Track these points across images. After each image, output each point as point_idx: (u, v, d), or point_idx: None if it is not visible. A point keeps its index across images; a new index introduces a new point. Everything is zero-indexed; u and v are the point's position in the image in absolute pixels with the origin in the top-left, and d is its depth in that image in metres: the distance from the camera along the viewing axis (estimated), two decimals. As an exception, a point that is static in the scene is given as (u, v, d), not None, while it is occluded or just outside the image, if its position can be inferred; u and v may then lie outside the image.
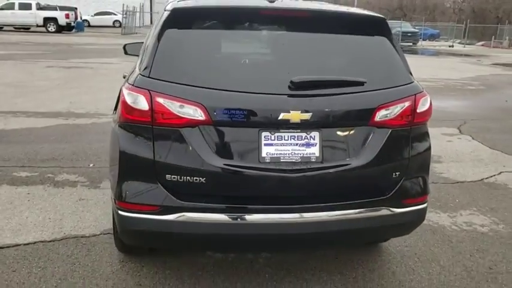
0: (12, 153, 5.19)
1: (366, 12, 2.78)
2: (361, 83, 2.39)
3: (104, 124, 6.77)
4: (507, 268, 3.16)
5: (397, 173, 2.49)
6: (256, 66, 2.48)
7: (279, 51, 2.52)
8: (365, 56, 2.57)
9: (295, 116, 2.27)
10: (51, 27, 30.64)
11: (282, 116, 2.26)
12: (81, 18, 35.58)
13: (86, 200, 4.01)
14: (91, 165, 4.95)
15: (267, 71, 2.44)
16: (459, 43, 40.55)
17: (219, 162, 2.28)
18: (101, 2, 47.14)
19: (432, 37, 41.94)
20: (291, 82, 2.29)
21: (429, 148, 2.64)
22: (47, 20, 30.70)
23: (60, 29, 30.67)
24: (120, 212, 2.38)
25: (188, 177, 2.29)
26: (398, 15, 57.79)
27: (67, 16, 31.08)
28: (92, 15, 41.67)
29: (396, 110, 2.43)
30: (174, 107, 2.25)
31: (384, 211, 2.47)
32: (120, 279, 2.84)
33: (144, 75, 2.34)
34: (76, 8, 34.01)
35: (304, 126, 2.32)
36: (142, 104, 2.27)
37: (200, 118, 2.25)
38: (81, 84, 10.17)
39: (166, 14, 2.49)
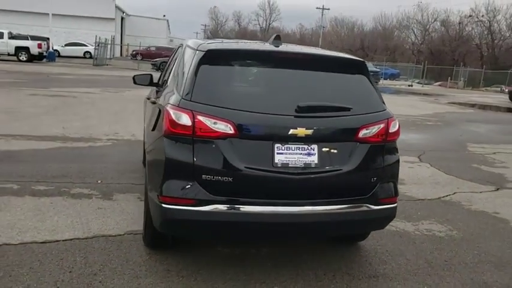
0: (24, 170, 5.71)
1: (350, 56, 3.62)
2: (348, 109, 3.19)
3: (101, 148, 7.37)
4: (459, 261, 3.95)
5: (374, 178, 3.27)
6: (271, 94, 3.24)
7: (287, 83, 3.29)
8: (350, 89, 3.38)
9: (301, 132, 3.03)
10: (23, 57, 30.82)
11: (291, 131, 3.02)
12: (52, 48, 35.90)
13: (103, 209, 4.60)
14: (99, 181, 5.53)
15: (279, 97, 3.19)
16: (418, 83, 42.93)
17: (242, 166, 2.99)
18: (71, 32, 47.58)
19: (392, 76, 44.22)
20: (298, 106, 3.06)
21: (398, 160, 3.44)
22: (18, 49, 30.90)
23: (32, 58, 30.89)
24: (163, 205, 3.04)
25: (219, 177, 2.99)
26: (361, 55, 60.73)
27: (39, 46, 31.38)
28: (62, 46, 42.01)
29: (374, 130, 3.23)
30: (210, 123, 2.97)
31: (365, 207, 3.24)
32: (151, 266, 3.46)
33: (186, 99, 3.06)
34: (48, 38, 34.36)
35: (306, 140, 3.08)
36: (186, 120, 2.99)
37: (230, 132, 2.98)
38: (69, 112, 10.68)
39: (200, 53, 3.23)
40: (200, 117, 2.98)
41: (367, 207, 3.25)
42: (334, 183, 3.16)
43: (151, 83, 5.47)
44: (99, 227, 4.14)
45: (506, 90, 35.60)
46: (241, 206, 3.02)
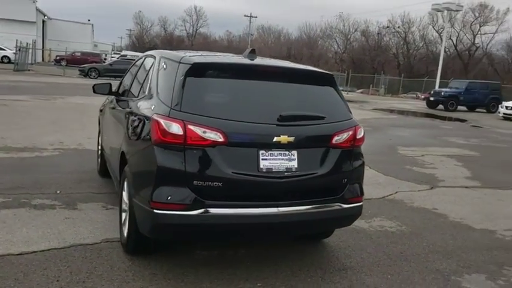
0: (-26, 183, 5.51)
1: (321, 70, 3.96)
2: (322, 117, 3.53)
3: (49, 158, 7.20)
4: (412, 252, 4.40)
5: (345, 180, 3.63)
6: (254, 104, 3.48)
7: (267, 93, 3.56)
8: (322, 99, 3.71)
9: (284, 139, 3.31)
10: None
11: (275, 139, 3.29)
12: (-34, 52, 33.61)
13: (71, 219, 4.59)
14: (58, 191, 5.46)
15: (261, 107, 3.45)
16: (342, 90, 44.84)
17: (229, 171, 3.22)
18: (-14, 36, 44.70)
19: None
20: (280, 115, 3.34)
21: (363, 163, 3.83)
22: None
23: None
24: (155, 211, 3.19)
25: (209, 182, 3.19)
26: (288, 63, 62.37)
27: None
28: (-24, 50, 39.41)
29: (344, 136, 3.58)
30: (201, 132, 3.16)
31: (337, 206, 3.58)
32: (136, 271, 3.57)
33: (176, 109, 3.23)
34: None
35: (288, 146, 3.36)
36: (177, 130, 3.16)
37: (219, 140, 3.19)
38: (4, 121, 10.22)
39: (186, 66, 3.41)
40: (191, 127, 3.17)
41: (339, 206, 3.59)
42: (312, 185, 3.48)
43: (110, 92, 5.53)
44: (73, 236, 4.15)
45: (422, 96, 38.34)
46: (230, 209, 3.24)
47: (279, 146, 3.34)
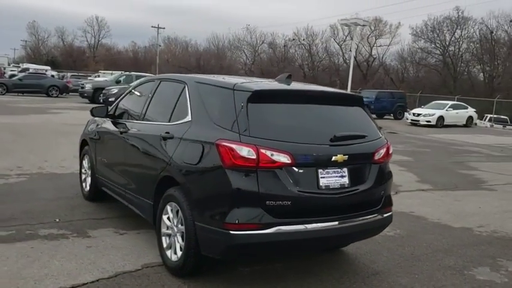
0: (-41, 216, 5.11)
1: (352, 92, 4.33)
2: (364, 136, 3.90)
3: (18, 184, 6.83)
4: (420, 253, 4.91)
5: (382, 192, 4.02)
6: (309, 126, 3.76)
7: (317, 116, 3.86)
8: (358, 119, 4.07)
9: (340, 158, 3.63)
10: None
11: (333, 158, 3.60)
12: None
13: (93, 247, 4.49)
14: (57, 220, 5.26)
15: (316, 129, 3.75)
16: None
17: (296, 190, 3.46)
18: None
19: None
20: (334, 136, 3.65)
21: (392, 176, 4.25)
22: None
23: None
24: (231, 232, 3.33)
25: (280, 202, 3.41)
26: (197, 73, 62.44)
27: None
28: None
29: (382, 152, 3.98)
30: (271, 155, 3.37)
31: (378, 216, 3.97)
32: (198, 293, 3.66)
33: (245, 135, 3.41)
34: None
35: (340, 164, 3.68)
36: (251, 154, 3.34)
37: (288, 162, 3.42)
38: None
39: (246, 93, 3.59)
40: (263, 151, 3.37)
41: (381, 216, 3.98)
42: (360, 198, 3.83)
43: (107, 115, 5.49)
44: (110, 265, 4.09)
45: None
46: (298, 225, 3.48)
47: (334, 164, 3.65)
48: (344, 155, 3.67)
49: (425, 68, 61.26)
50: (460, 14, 56.73)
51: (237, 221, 3.35)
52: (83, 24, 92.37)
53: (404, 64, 62.83)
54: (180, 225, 3.86)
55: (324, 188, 3.60)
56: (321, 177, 3.60)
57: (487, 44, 56.21)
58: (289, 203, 3.44)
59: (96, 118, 6.15)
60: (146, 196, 4.40)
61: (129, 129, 4.89)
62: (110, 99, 21.26)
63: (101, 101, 22.77)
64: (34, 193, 6.36)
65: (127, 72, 30.77)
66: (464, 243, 5.32)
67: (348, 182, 3.73)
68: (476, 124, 28.79)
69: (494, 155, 14.67)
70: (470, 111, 27.80)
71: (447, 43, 59.04)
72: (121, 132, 5.01)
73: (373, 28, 60.70)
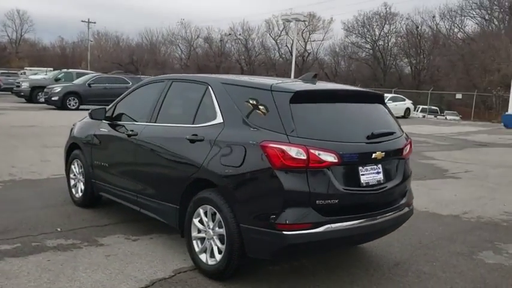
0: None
1: (376, 91, 4.46)
2: (393, 133, 4.04)
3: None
4: (426, 241, 5.16)
5: (407, 186, 4.19)
6: (347, 124, 3.85)
7: (352, 114, 3.97)
8: (382, 116, 4.19)
9: (379, 155, 3.75)
10: None
11: (373, 155, 3.71)
12: None
13: (113, 256, 4.32)
14: (58, 229, 4.99)
15: (354, 127, 3.85)
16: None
17: (341, 188, 3.54)
18: None
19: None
20: (372, 133, 3.76)
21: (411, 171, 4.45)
22: None
23: None
24: (284, 232, 3.35)
25: (328, 200, 3.47)
26: (131, 69, 60.84)
27: None
28: None
29: (407, 148, 4.16)
30: (320, 155, 3.42)
31: (406, 209, 4.14)
32: (244, 295, 3.64)
33: (293, 136, 3.43)
34: None
35: (377, 161, 3.80)
36: (301, 154, 3.37)
37: (335, 161, 3.48)
38: None
39: (287, 94, 3.60)
40: (312, 151, 3.40)
41: (408, 208, 4.16)
42: (394, 193, 3.98)
43: (105, 117, 5.32)
44: (140, 273, 3.96)
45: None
46: (345, 223, 3.56)
47: (372, 161, 3.76)
48: (382, 151, 3.79)
49: (356, 62, 63.67)
50: (388, 10, 59.47)
51: (289, 222, 3.37)
52: (3, 18, 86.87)
53: (337, 58, 64.89)
54: (217, 228, 3.81)
55: (364, 185, 3.71)
56: (362, 175, 3.70)
57: (413, 39, 59.37)
58: (336, 201, 3.51)
59: (87, 120, 5.90)
60: (169, 200, 4.29)
61: (139, 132, 4.72)
62: (53, 98, 20.25)
63: (42, 100, 21.62)
64: (18, 202, 5.97)
65: (65, 70, 29.34)
66: (460, 230, 5.66)
67: (382, 178, 3.86)
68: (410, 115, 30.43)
69: (440, 144, 15.58)
70: (408, 103, 29.35)
71: (377, 38, 61.68)
72: (129, 135, 4.83)
73: (307, 23, 61.98)
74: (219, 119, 3.96)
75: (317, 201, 3.44)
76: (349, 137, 3.71)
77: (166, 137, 4.40)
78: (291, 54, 64.04)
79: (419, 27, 58.44)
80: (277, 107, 3.60)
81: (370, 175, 3.76)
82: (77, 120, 6.34)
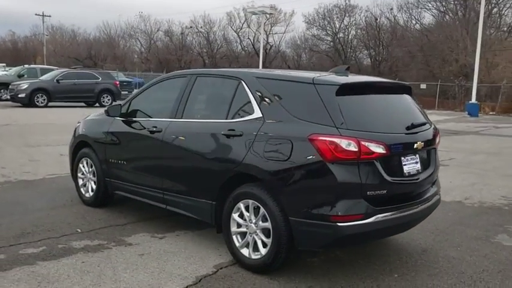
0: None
1: (404, 82, 4.54)
2: (426, 123, 4.15)
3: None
4: (443, 227, 5.34)
5: (437, 175, 4.32)
6: (389, 115, 3.92)
7: (390, 105, 4.05)
8: (413, 107, 4.28)
9: (419, 145, 3.85)
10: None
11: (415, 146, 3.80)
12: None
13: (147, 254, 4.25)
14: (78, 230, 4.86)
15: (395, 118, 3.94)
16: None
17: (390, 179, 3.61)
18: None
19: (140, 85, 45.04)
20: (412, 124, 3.85)
21: None
22: None
23: None
24: (339, 224, 3.40)
25: (378, 191, 3.54)
26: (90, 64, 59.23)
27: None
28: None
29: (438, 138, 4.28)
30: (371, 146, 3.48)
31: (437, 196, 4.28)
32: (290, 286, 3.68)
33: (343, 128, 3.47)
34: None
35: (415, 151, 3.89)
36: (352, 147, 3.42)
37: (383, 152, 3.55)
38: None
39: (332, 87, 3.64)
40: (363, 143, 3.46)
41: (438, 196, 4.30)
42: (429, 181, 4.10)
43: (121, 114, 5.22)
44: (183, 270, 3.93)
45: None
46: (392, 212, 3.65)
47: (412, 151, 3.86)
48: (422, 141, 3.89)
49: (317, 54, 64.37)
50: (347, 2, 60.24)
51: (342, 213, 3.42)
52: None
53: (299, 51, 65.41)
54: (261, 222, 3.81)
55: (407, 175, 3.80)
56: (404, 165, 3.79)
57: (372, 31, 60.54)
58: (385, 191, 3.59)
59: (95, 118, 5.76)
60: (203, 196, 4.25)
61: (163, 129, 4.63)
62: (19, 95, 19.49)
63: (7, 97, 20.75)
64: (23, 204, 5.75)
65: (27, 66, 28.19)
66: (468, 215, 5.88)
67: (420, 168, 3.96)
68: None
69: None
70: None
71: (337, 30, 62.51)
72: (152, 132, 4.73)
73: (268, 16, 62.13)
74: (257, 114, 3.94)
75: (368, 192, 3.50)
76: (391, 128, 3.79)
77: (197, 133, 4.35)
78: (254, 47, 64.19)
79: (378, 20, 59.64)
80: (322, 100, 3.63)
81: (410, 165, 3.86)
82: (71, 116, 6.17)
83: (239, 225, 4.00)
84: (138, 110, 5.14)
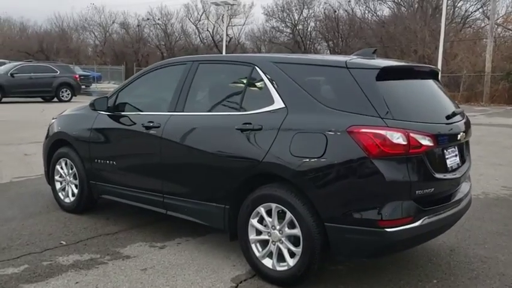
0: None
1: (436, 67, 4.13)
2: (461, 112, 3.76)
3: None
4: (459, 223, 5.03)
5: (470, 169, 3.95)
6: (429, 103, 3.50)
7: (428, 91, 3.64)
8: (443, 93, 3.87)
9: (462, 136, 3.45)
10: None
11: (459, 136, 3.40)
12: None
13: (151, 268, 3.69)
14: (63, 242, 4.22)
15: (435, 106, 3.52)
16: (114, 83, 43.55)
17: (436, 175, 3.19)
18: None
19: (98, 80, 43.32)
20: (453, 112, 3.44)
21: None
22: None
23: None
24: (388, 230, 2.95)
25: (426, 190, 3.11)
26: (42, 58, 56.52)
27: None
28: None
29: (471, 129, 3.88)
30: (420, 139, 3.04)
31: (471, 193, 3.90)
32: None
33: (389, 118, 3.00)
34: None
35: (455, 143, 3.49)
36: (401, 140, 2.97)
37: (431, 145, 3.12)
38: None
39: (372, 71, 3.16)
40: (412, 135, 3.01)
41: (471, 192, 3.93)
42: (466, 176, 3.72)
43: (107, 108, 4.59)
44: (195, 287, 3.38)
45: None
46: (440, 212, 3.24)
47: (453, 143, 3.45)
48: (463, 132, 3.51)
49: (276, 46, 64.09)
50: (306, -6, 60.20)
51: (391, 217, 2.98)
52: None
53: (258, 43, 64.92)
54: (287, 229, 3.32)
55: (450, 169, 3.40)
56: (447, 158, 3.39)
57: (330, 23, 60.79)
58: (432, 189, 3.17)
59: (75, 113, 5.10)
60: (214, 199, 3.71)
61: (162, 124, 4.04)
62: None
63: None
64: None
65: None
66: (479, 208, 5.58)
67: (459, 161, 3.58)
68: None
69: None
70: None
71: (296, 22, 62.40)
72: (148, 128, 4.12)
73: (227, 8, 61.30)
74: (279, 104, 3.43)
75: (417, 192, 3.07)
76: (433, 118, 3.37)
77: (205, 128, 3.80)
78: (213, 39, 63.26)
79: (337, 12, 59.95)
80: (360, 86, 3.15)
81: (451, 158, 3.46)
82: (45, 112, 5.45)
83: (259, 232, 3.49)
84: (127, 103, 4.51)
